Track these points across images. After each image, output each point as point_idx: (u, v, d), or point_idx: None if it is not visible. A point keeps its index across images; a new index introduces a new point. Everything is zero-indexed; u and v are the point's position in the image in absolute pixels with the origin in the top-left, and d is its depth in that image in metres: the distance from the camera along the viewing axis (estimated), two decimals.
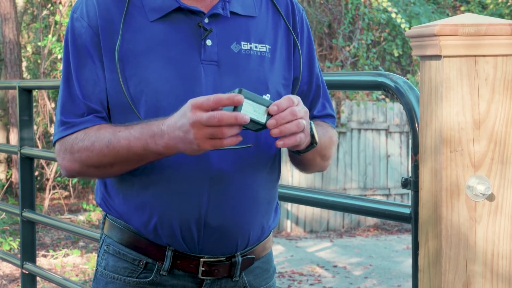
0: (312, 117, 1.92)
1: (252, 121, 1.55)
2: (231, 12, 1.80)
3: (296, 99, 1.63)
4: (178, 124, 1.58)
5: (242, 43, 1.79)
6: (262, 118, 1.56)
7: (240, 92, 1.52)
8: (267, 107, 1.56)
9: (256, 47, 1.80)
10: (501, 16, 13.26)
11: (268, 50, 1.82)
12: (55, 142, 1.81)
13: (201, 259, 1.79)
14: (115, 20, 1.76)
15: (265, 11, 1.85)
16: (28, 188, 4.25)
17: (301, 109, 1.63)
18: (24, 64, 12.51)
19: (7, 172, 11.54)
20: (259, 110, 1.55)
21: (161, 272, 1.80)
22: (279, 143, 1.61)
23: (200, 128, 1.55)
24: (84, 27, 1.77)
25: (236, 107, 1.51)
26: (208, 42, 1.76)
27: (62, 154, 1.78)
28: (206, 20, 1.77)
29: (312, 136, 1.72)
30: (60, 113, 1.79)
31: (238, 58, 1.78)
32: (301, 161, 1.86)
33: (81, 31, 1.77)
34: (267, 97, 1.59)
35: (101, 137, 1.71)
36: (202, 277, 1.80)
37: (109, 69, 1.75)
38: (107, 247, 1.86)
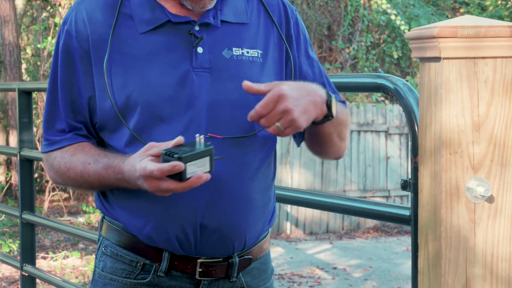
0: None
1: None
2: (222, 21, 1.80)
3: (271, 103, 1.63)
4: (139, 183, 1.65)
5: (234, 49, 1.79)
6: (206, 168, 1.62)
7: (180, 159, 1.57)
8: (209, 155, 1.62)
9: (247, 52, 1.80)
10: (500, 18, 13.26)
11: (259, 55, 1.82)
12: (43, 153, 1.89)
13: (198, 260, 1.79)
14: (104, 31, 1.77)
15: (257, 16, 1.85)
16: (28, 190, 4.25)
17: (273, 114, 1.64)
18: (23, 66, 12.51)
19: (7, 174, 11.54)
20: (203, 162, 1.61)
21: (158, 273, 1.80)
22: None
23: (161, 193, 1.63)
24: (73, 40, 1.79)
25: (181, 173, 1.58)
26: (199, 50, 1.76)
27: (47, 167, 1.87)
28: (197, 28, 1.77)
29: (329, 108, 1.72)
30: (44, 127, 1.87)
31: (230, 64, 1.78)
32: (318, 137, 1.85)
33: (70, 43, 1.80)
34: (201, 139, 1.63)
35: (73, 165, 1.80)
36: (199, 278, 1.80)
37: (100, 81, 1.76)
38: (104, 249, 1.86)
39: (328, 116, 1.73)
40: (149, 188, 1.61)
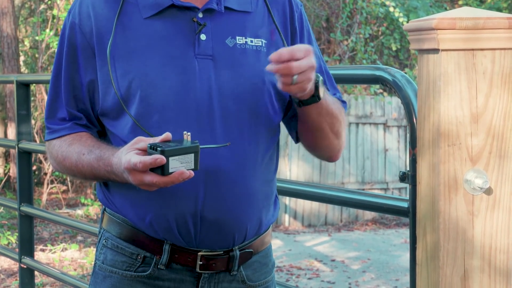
0: None
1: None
2: (226, 8, 1.80)
3: (302, 52, 1.62)
4: (125, 176, 1.66)
5: (237, 37, 1.79)
6: (190, 165, 1.62)
7: (162, 153, 1.58)
8: (195, 152, 1.62)
9: (251, 41, 1.80)
10: (499, 9, 13.25)
11: (263, 45, 1.81)
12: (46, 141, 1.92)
13: (199, 253, 1.79)
14: (109, 18, 1.77)
15: (262, 6, 1.85)
16: (26, 183, 4.25)
17: (303, 64, 1.63)
18: (21, 58, 12.49)
19: (5, 166, 11.53)
20: (187, 159, 1.62)
21: (159, 266, 1.80)
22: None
23: (146, 186, 1.63)
24: (76, 30, 1.81)
25: (163, 166, 1.58)
26: (203, 37, 1.76)
27: (49, 155, 1.91)
28: (200, 15, 1.77)
29: (316, 88, 1.73)
30: (46, 115, 1.89)
31: (234, 52, 1.78)
32: (309, 124, 1.84)
33: (73, 34, 1.81)
34: (188, 136, 1.63)
35: (69, 155, 1.82)
36: (200, 271, 1.80)
37: (103, 71, 1.77)
38: (105, 241, 1.86)
39: (315, 96, 1.73)
40: (133, 180, 1.62)
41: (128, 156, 1.62)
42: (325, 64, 1.94)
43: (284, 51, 1.61)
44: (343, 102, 1.95)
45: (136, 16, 1.77)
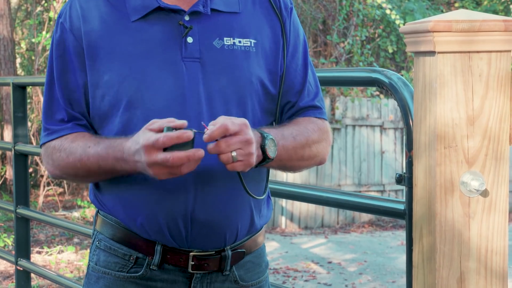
0: (299, 109, 1.89)
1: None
2: (213, 9, 1.80)
3: (237, 126, 1.60)
4: (136, 158, 1.64)
5: (225, 38, 1.79)
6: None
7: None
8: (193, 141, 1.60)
9: (240, 42, 1.80)
10: (495, 12, 13.27)
11: (252, 45, 1.81)
12: (41, 146, 1.88)
13: (191, 253, 1.79)
14: (98, 22, 1.78)
15: (251, 6, 1.85)
16: (22, 185, 4.25)
17: (234, 141, 1.60)
18: (18, 60, 12.48)
19: (1, 169, 11.52)
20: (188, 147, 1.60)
21: (151, 267, 1.80)
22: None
23: (157, 168, 1.60)
24: (67, 33, 1.80)
25: (190, 142, 1.57)
26: (189, 40, 1.76)
27: (46, 159, 1.86)
28: (187, 18, 1.78)
29: (263, 152, 1.69)
30: (43, 118, 1.86)
31: (221, 54, 1.78)
32: (275, 167, 1.83)
33: (64, 37, 1.81)
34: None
35: (73, 151, 1.78)
36: (192, 271, 1.80)
37: (93, 74, 1.77)
38: (98, 243, 1.87)
39: (265, 159, 1.71)
40: (146, 160, 1.59)
41: (148, 134, 1.60)
42: (311, 63, 1.93)
43: (215, 131, 1.59)
44: (320, 109, 1.92)
45: (124, 19, 1.78)
